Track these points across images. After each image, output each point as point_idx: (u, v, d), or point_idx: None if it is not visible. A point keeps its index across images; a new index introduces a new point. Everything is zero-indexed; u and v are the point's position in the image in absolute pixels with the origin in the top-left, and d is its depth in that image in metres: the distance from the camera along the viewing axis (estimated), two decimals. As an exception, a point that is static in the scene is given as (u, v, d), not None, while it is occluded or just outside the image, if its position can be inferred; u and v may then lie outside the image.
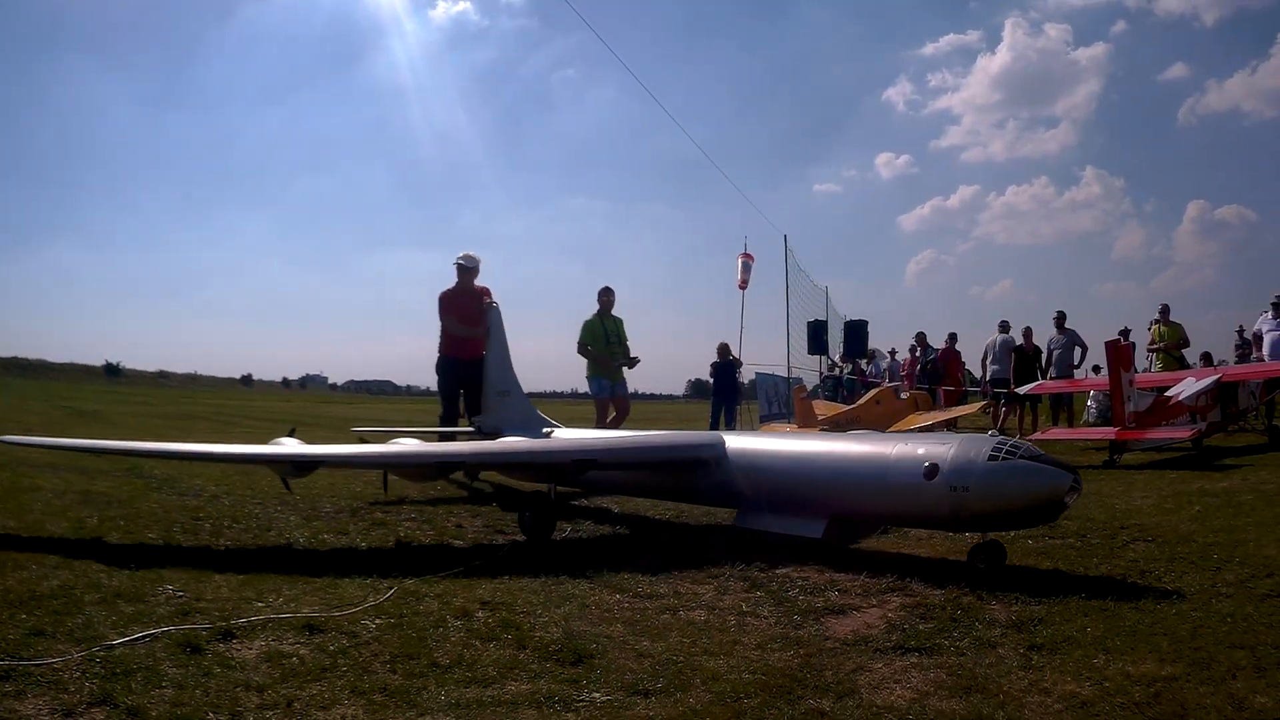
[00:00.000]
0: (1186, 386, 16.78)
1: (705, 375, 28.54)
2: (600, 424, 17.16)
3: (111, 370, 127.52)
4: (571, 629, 5.75)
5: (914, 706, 4.40)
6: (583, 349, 17.16)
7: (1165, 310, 23.11)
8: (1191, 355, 23.40)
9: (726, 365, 26.01)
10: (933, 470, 7.41)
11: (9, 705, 4.24)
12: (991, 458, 7.25)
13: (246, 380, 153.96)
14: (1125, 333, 24.56)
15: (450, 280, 15.33)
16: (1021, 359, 24.55)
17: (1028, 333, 25.02)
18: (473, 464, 11.48)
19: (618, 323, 17.55)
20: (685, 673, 4.91)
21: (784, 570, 7.50)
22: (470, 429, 14.75)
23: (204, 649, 5.13)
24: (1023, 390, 22.73)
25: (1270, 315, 20.97)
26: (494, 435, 13.52)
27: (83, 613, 5.80)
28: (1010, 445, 7.39)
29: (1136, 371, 18.94)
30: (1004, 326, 25.24)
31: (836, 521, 8.38)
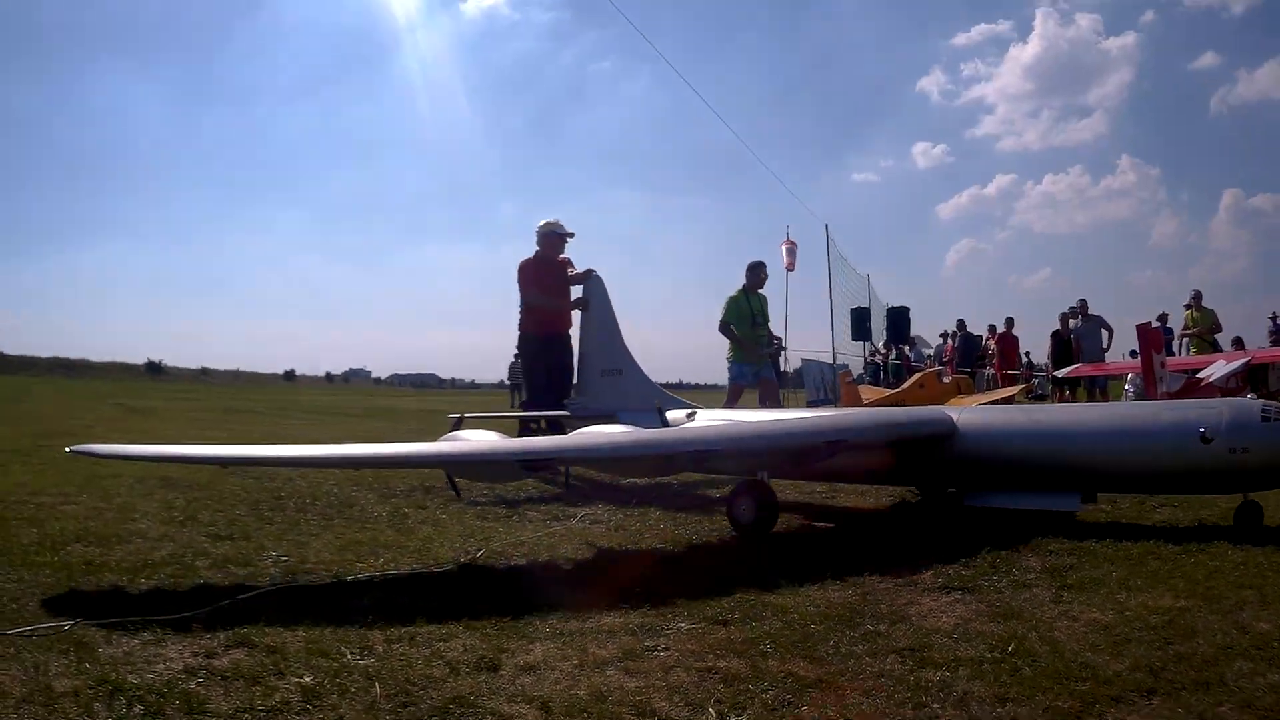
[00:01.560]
0: (1217, 369, 16.98)
1: None
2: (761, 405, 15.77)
3: (154, 368, 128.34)
4: (646, 575, 6.39)
5: (958, 629, 5.13)
6: (725, 328, 15.88)
7: (1198, 296, 23.57)
8: (1224, 340, 23.68)
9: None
10: (1210, 433, 7.68)
11: (153, 651, 4.80)
12: (1264, 418, 7.65)
13: (289, 375, 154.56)
14: (1163, 318, 24.99)
15: (525, 252, 14.19)
16: (1059, 344, 25.37)
17: (1064, 318, 25.83)
18: (716, 450, 8.66)
19: (763, 301, 16.30)
20: (758, 607, 5.62)
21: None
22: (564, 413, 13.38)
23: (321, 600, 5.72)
24: (1060, 374, 23.50)
25: None
26: (597, 420, 11.32)
27: (198, 575, 6.45)
28: (1277, 406, 7.82)
29: (1169, 355, 19.35)
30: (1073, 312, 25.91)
31: (1090, 491, 8.62)
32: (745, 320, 15.72)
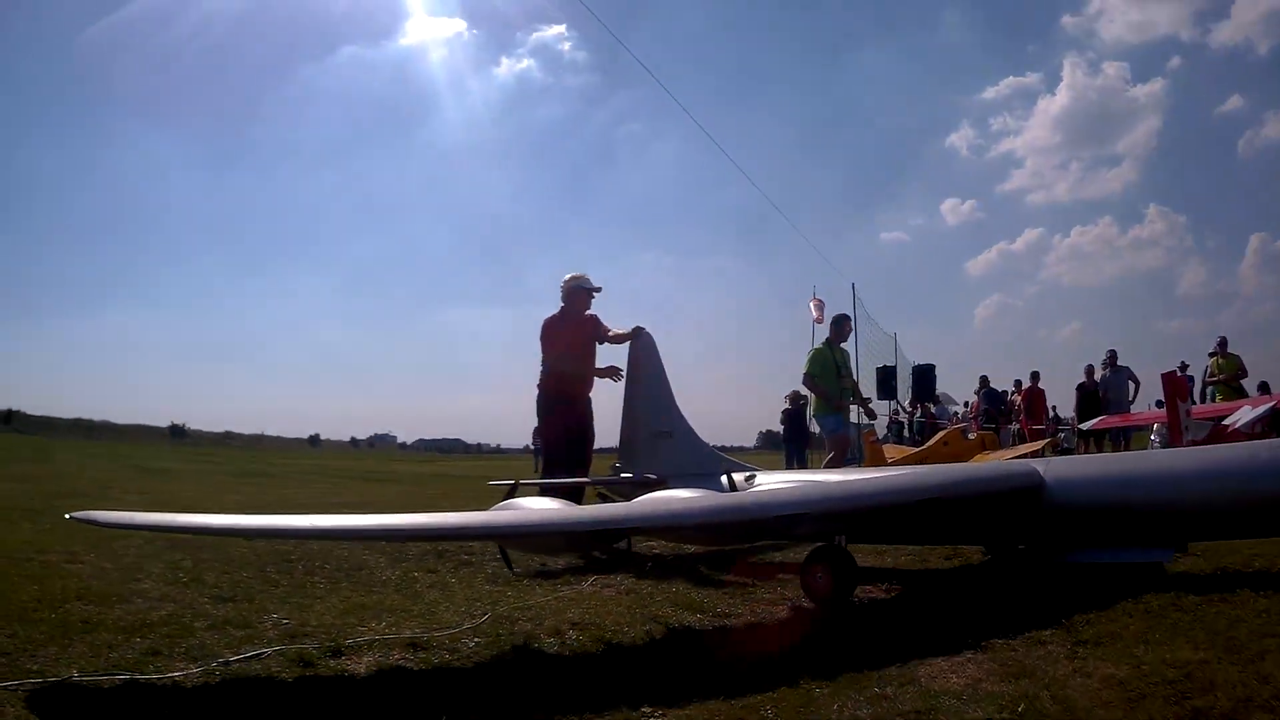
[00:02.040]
0: (1243, 414, 17.00)
1: (774, 425, 29.40)
2: (838, 464, 15.49)
3: (177, 431, 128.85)
4: (653, 636, 6.28)
5: (967, 689, 4.98)
6: (810, 381, 15.93)
7: (1223, 343, 23.52)
8: (1249, 386, 23.60)
9: (797, 413, 27.04)
10: None
11: (135, 709, 4.75)
12: None
13: (314, 440, 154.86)
14: (1183, 366, 24.93)
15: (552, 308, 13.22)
16: (1085, 396, 25.48)
17: (1089, 370, 26.00)
18: (804, 513, 7.84)
19: (845, 355, 16.36)
20: (759, 670, 5.46)
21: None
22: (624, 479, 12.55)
23: (316, 663, 5.68)
24: (1085, 426, 23.57)
25: None
26: (647, 488, 10.70)
27: (195, 636, 6.36)
28: None
29: (1194, 403, 19.25)
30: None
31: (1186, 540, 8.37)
32: (830, 373, 15.64)
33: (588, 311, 13.16)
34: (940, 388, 34.41)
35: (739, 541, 10.09)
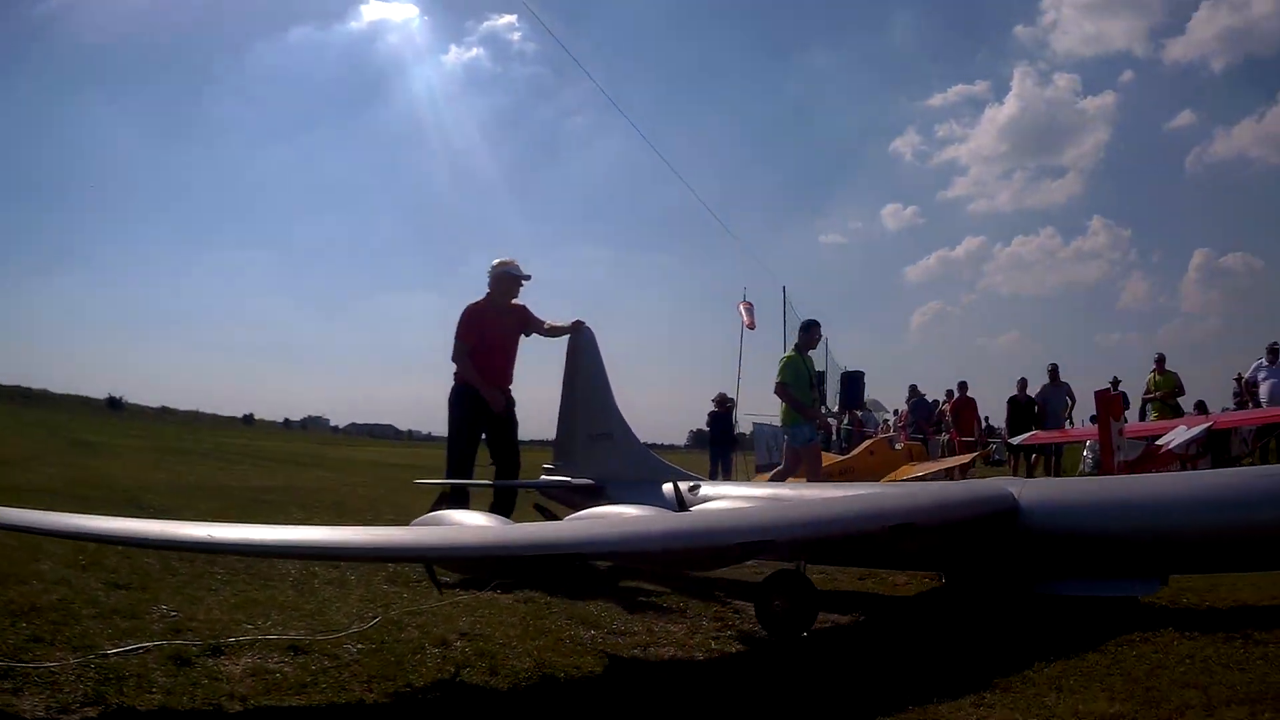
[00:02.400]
0: (1178, 435, 16.97)
1: (704, 425, 29.30)
2: (787, 476, 15.29)
3: (114, 404, 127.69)
4: (543, 659, 6.19)
5: None
6: (783, 391, 15.05)
7: (1161, 359, 23.75)
8: (1186, 404, 23.79)
9: (724, 415, 27.21)
10: None
11: (6, 700, 4.70)
12: None
13: (248, 420, 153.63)
14: (1115, 382, 25.04)
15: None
16: (1017, 409, 25.58)
17: (1022, 383, 26.14)
18: (772, 540, 7.14)
19: (812, 363, 15.68)
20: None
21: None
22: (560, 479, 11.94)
23: (193, 662, 5.57)
24: (1015, 441, 23.71)
25: (1265, 362, 21.51)
26: (584, 492, 11.11)
27: (80, 624, 6.24)
28: None
29: (1126, 421, 19.34)
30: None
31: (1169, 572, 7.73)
32: (804, 382, 15.12)
33: (515, 300, 12.34)
34: (871, 394, 34.56)
35: (694, 569, 8.95)
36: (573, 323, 12.47)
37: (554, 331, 12.51)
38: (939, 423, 30.92)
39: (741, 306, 23.02)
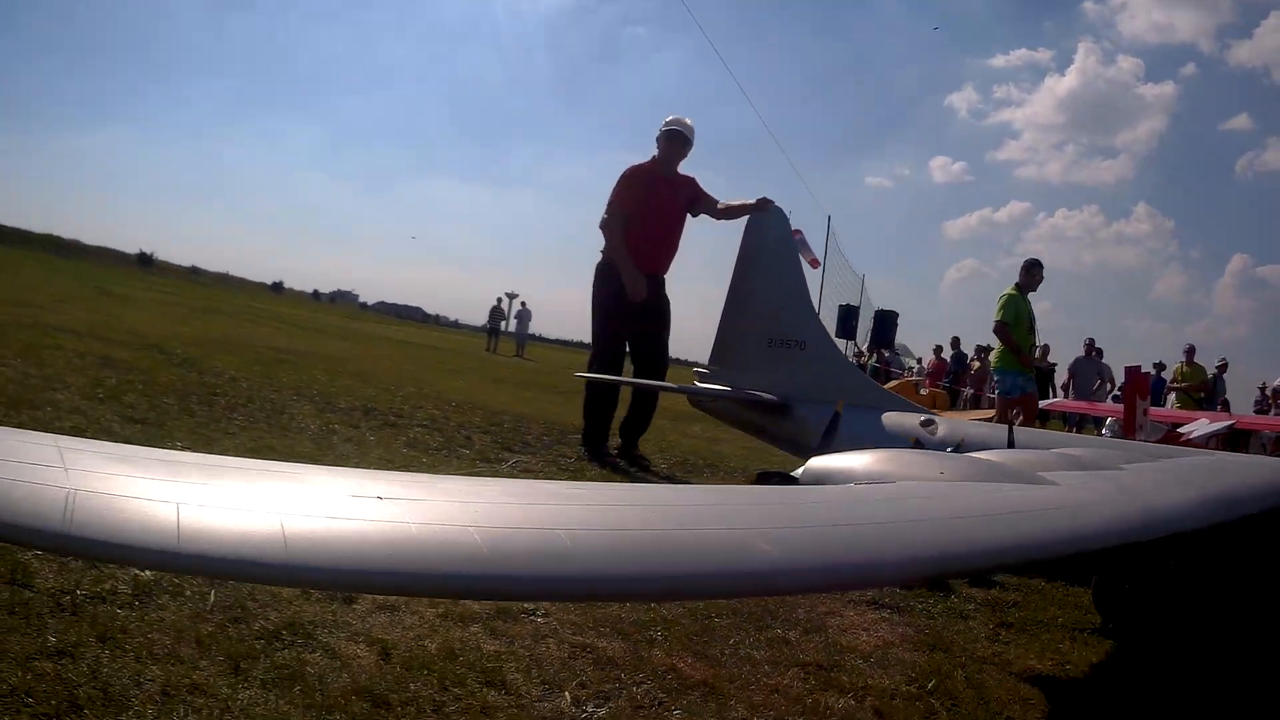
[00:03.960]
0: (1199, 427, 16.20)
1: None
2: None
3: (145, 260, 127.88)
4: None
5: (877, 652, 4.51)
6: (1002, 331, 13.18)
7: (1191, 351, 23.40)
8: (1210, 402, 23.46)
9: None
10: None
11: None
12: None
13: (277, 287, 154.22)
14: (1159, 366, 24.72)
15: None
16: (1038, 376, 25.19)
17: (1045, 350, 25.58)
18: None
19: (1030, 306, 13.60)
20: (663, 596, 5.02)
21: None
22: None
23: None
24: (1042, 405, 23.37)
25: None
26: (758, 408, 9.35)
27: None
28: None
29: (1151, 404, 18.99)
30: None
31: None
32: (1023, 324, 13.23)
33: (682, 170, 10.46)
34: (900, 339, 34.08)
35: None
36: (758, 200, 10.01)
37: (731, 212, 10.37)
38: (968, 377, 30.44)
39: (796, 236, 22.55)
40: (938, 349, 32.44)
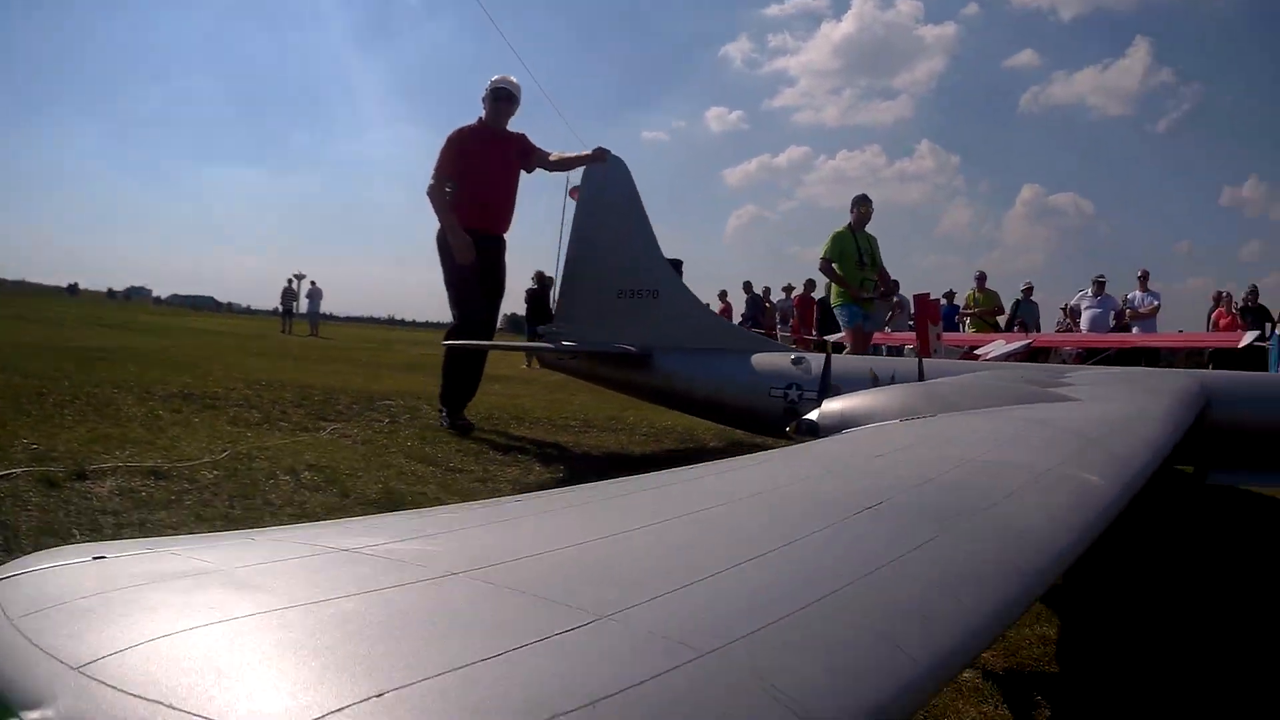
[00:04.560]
0: (996, 348, 16.79)
1: (518, 307, 28.57)
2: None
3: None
4: (389, 486, 6.46)
5: None
6: (826, 267, 13.64)
7: (982, 277, 24.09)
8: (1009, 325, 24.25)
9: (541, 294, 26.67)
10: None
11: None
12: None
13: (73, 289, 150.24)
14: (949, 295, 25.59)
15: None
16: (825, 311, 25.86)
17: (809, 285, 26.37)
18: None
19: (871, 241, 13.94)
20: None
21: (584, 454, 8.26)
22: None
23: (61, 485, 5.71)
24: (831, 339, 24.08)
25: (1090, 293, 22.17)
26: (619, 362, 9.26)
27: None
28: None
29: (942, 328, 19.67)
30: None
31: None
32: (851, 259, 13.50)
33: (505, 125, 10.21)
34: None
35: None
36: (595, 150, 9.91)
37: (567, 163, 10.37)
38: (770, 318, 30.83)
39: (572, 196, 22.64)
40: (724, 294, 32.94)
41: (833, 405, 5.33)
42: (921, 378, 6.66)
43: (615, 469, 8.21)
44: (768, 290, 31.15)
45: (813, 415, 5.11)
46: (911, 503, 2.44)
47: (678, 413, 10.49)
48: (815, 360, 8.44)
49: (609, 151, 9.83)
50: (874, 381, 6.98)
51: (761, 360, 8.55)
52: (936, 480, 2.82)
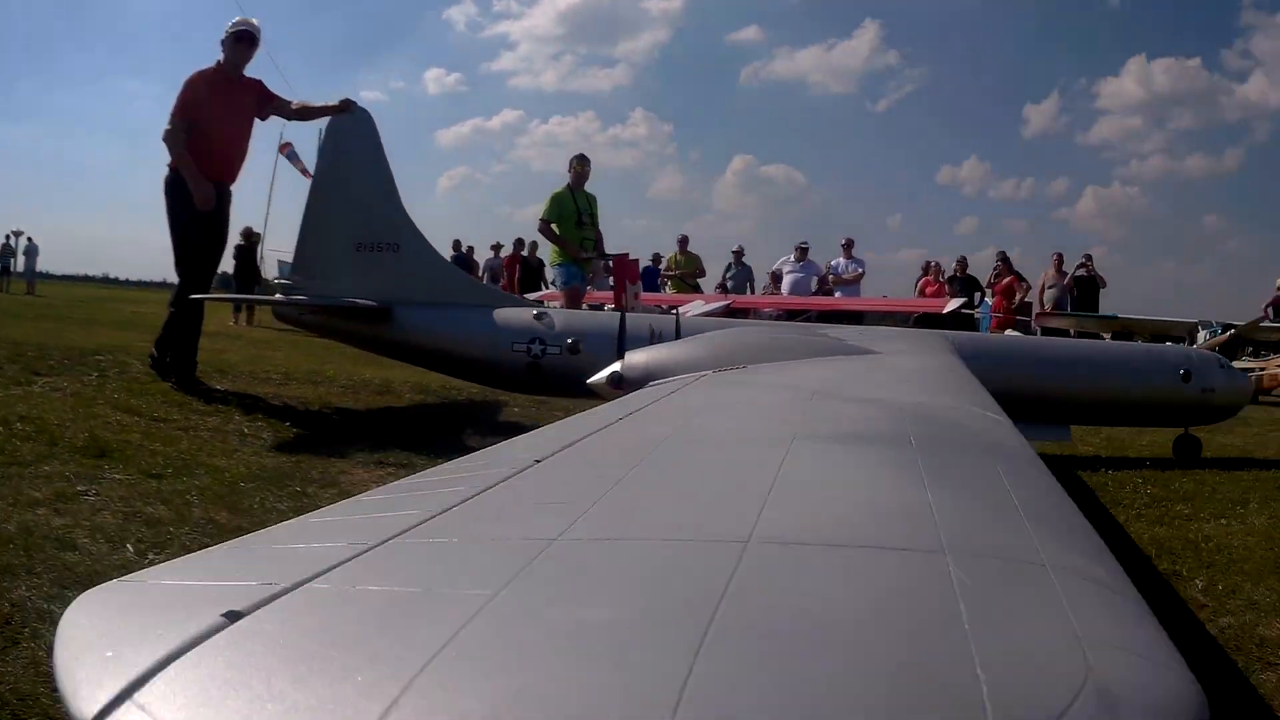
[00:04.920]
0: (695, 307, 17.03)
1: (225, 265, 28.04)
2: None
3: None
4: (95, 435, 6.57)
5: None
6: (545, 228, 13.17)
7: (684, 240, 24.42)
8: (708, 287, 24.69)
9: (249, 250, 26.35)
10: (1188, 374, 8.25)
11: None
12: (1221, 365, 8.60)
13: None
14: (657, 257, 25.99)
15: None
16: (527, 270, 25.92)
17: (518, 243, 26.56)
18: None
19: (591, 200, 13.52)
20: (192, 465, 5.83)
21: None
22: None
23: None
24: (531, 297, 24.36)
25: (792, 258, 22.71)
26: (356, 317, 9.04)
27: None
28: (1221, 357, 8.87)
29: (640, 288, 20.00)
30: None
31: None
32: (570, 220, 13.06)
33: (244, 70, 9.55)
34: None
35: None
36: (341, 101, 9.56)
37: (309, 113, 9.91)
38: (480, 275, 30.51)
39: (282, 152, 22.05)
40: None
41: (636, 358, 5.75)
42: (678, 335, 7.02)
43: (312, 419, 8.53)
44: (471, 250, 30.91)
45: (616, 368, 5.63)
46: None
47: (378, 366, 10.94)
48: (558, 315, 8.66)
49: (355, 103, 9.54)
50: (653, 338, 7.09)
51: (504, 315, 8.60)
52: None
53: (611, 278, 13.51)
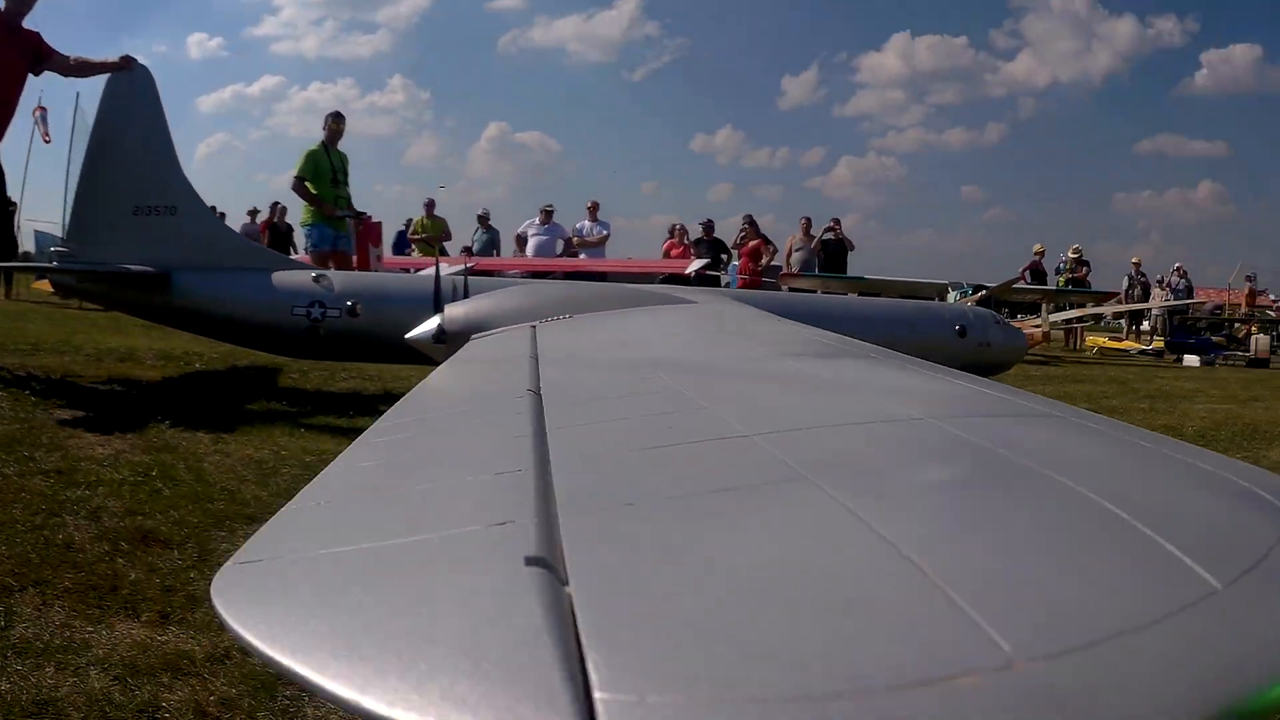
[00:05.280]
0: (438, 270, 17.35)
1: None
2: None
3: None
4: None
5: (109, 458, 5.30)
6: (300, 186, 12.53)
7: (431, 204, 24.55)
8: (453, 249, 24.82)
9: (4, 219, 25.02)
10: (964, 329, 8.42)
11: None
12: (997, 321, 8.80)
13: None
14: (409, 223, 25.86)
15: None
16: (275, 235, 25.49)
17: (274, 208, 26.14)
18: None
19: (344, 158, 13.11)
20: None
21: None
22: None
23: None
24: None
25: (537, 221, 22.85)
26: (131, 282, 8.35)
27: None
28: (996, 313, 9.09)
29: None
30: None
31: None
32: (325, 177, 12.53)
33: (27, 25, 8.68)
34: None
35: None
36: (121, 57, 8.84)
37: (86, 69, 9.07)
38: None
39: (36, 113, 21.26)
40: (255, 211, 31.91)
41: (455, 311, 5.59)
42: (467, 293, 6.73)
43: (60, 387, 8.17)
44: (224, 216, 30.06)
45: (438, 321, 5.50)
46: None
47: (124, 335, 10.95)
48: (337, 277, 8.31)
49: (135, 60, 8.81)
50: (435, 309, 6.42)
51: (282, 278, 8.24)
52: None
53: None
